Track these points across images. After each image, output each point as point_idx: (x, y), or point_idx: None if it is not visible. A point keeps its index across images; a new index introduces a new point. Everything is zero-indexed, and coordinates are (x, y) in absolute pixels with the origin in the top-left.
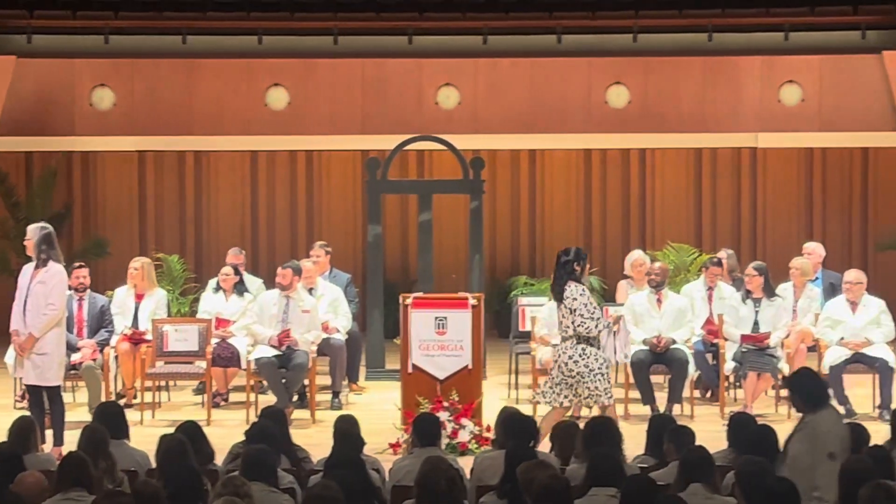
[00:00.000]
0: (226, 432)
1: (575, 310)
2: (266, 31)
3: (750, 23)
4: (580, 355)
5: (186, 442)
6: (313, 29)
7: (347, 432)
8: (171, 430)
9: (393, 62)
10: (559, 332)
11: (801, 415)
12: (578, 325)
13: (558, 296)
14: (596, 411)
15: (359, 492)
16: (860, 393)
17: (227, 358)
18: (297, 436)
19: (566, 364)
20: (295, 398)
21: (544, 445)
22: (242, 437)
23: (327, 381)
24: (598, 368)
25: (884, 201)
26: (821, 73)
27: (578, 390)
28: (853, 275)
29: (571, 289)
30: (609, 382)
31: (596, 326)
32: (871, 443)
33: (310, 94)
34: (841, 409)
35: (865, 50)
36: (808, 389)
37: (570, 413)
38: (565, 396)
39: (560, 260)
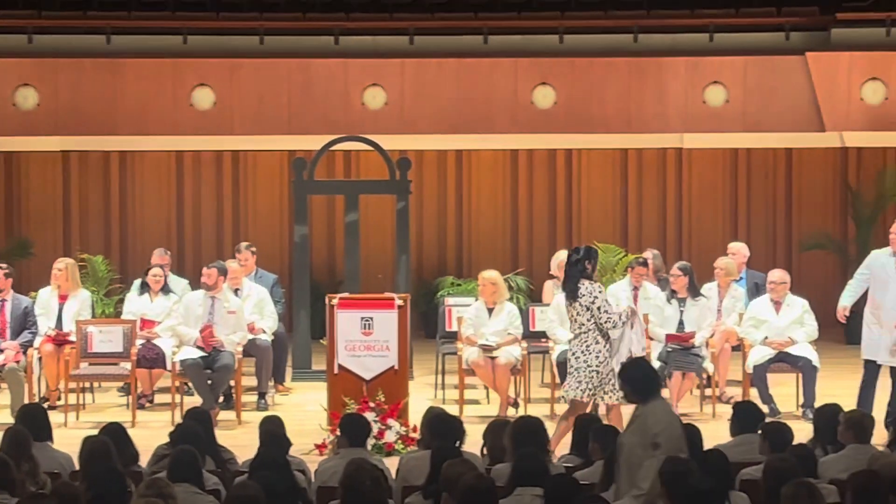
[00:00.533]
0: (151, 434)
1: (599, 307)
2: (191, 30)
3: (675, 24)
4: (582, 352)
5: (110, 443)
6: (239, 29)
7: (273, 433)
8: (96, 431)
9: (319, 62)
10: (571, 329)
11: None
12: (605, 322)
13: (571, 294)
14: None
15: (284, 493)
16: (784, 392)
17: (152, 359)
18: (223, 437)
19: (578, 359)
20: (221, 399)
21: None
22: (167, 439)
23: (253, 382)
24: (597, 367)
25: (807, 201)
26: (745, 75)
27: (600, 385)
28: (777, 275)
29: (587, 287)
30: (601, 381)
31: (620, 318)
32: (795, 441)
33: (235, 94)
34: (765, 409)
35: (789, 51)
36: (640, 380)
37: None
38: (582, 390)
39: (571, 259)
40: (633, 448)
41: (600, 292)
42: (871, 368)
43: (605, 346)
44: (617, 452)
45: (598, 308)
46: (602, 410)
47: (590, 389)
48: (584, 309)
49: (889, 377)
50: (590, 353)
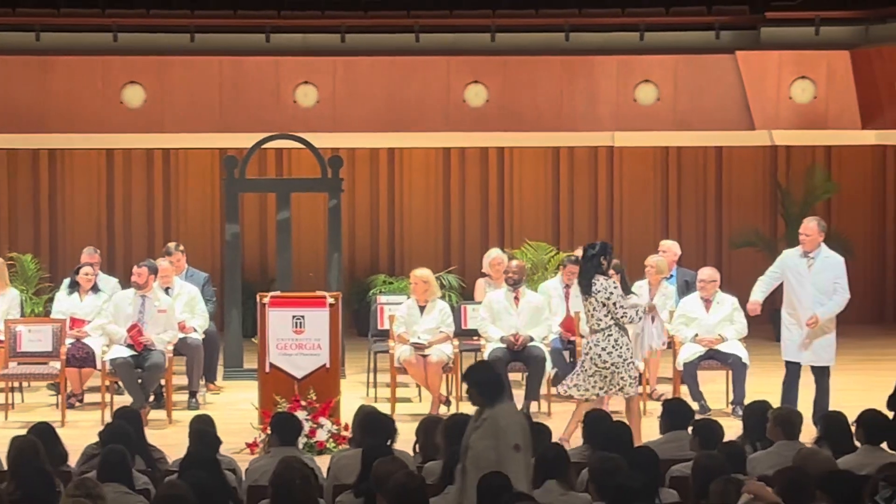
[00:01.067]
0: (80, 433)
1: (615, 303)
2: (121, 28)
3: (606, 23)
4: (613, 346)
5: (38, 443)
6: (169, 26)
7: (203, 432)
8: (24, 431)
9: (251, 60)
10: (588, 324)
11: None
12: (622, 317)
13: (586, 289)
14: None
15: (214, 492)
16: (714, 389)
17: (81, 358)
18: (154, 436)
19: (599, 356)
20: (151, 398)
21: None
22: (97, 438)
23: (184, 381)
24: (630, 359)
25: (737, 199)
26: (676, 73)
27: (613, 381)
28: (706, 273)
29: (602, 283)
30: (637, 372)
31: (637, 313)
32: (725, 439)
33: (166, 91)
34: (695, 406)
35: (719, 50)
36: (486, 383)
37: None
38: (600, 388)
39: (587, 254)
40: (486, 451)
41: (615, 288)
42: (793, 368)
43: (627, 337)
44: (461, 455)
45: (614, 304)
46: (606, 405)
47: (635, 380)
48: (600, 305)
49: (811, 374)
50: (621, 347)
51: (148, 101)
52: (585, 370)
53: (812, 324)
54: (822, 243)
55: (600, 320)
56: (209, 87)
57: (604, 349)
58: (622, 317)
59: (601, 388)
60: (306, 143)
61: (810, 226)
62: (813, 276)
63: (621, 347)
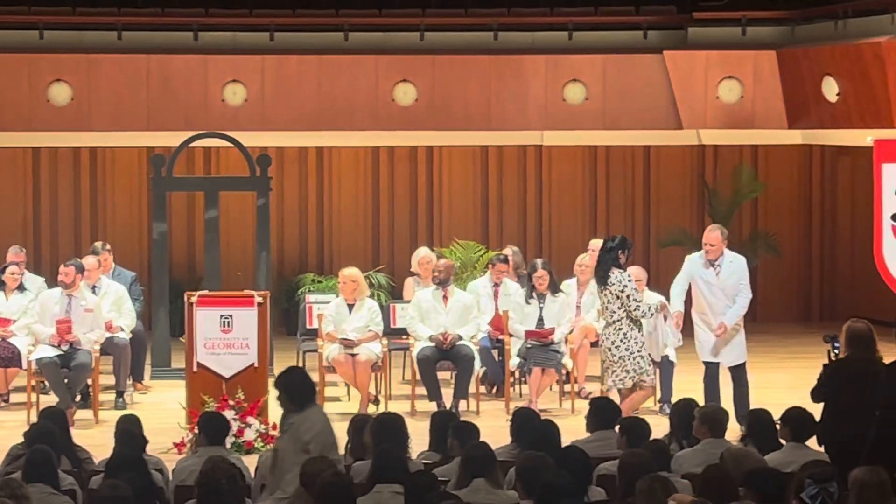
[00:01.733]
0: (6, 434)
1: (629, 295)
2: (48, 25)
3: (534, 22)
4: (622, 339)
5: None
6: (96, 24)
7: (129, 432)
8: None
9: (178, 58)
10: (603, 316)
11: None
12: (634, 310)
13: (601, 280)
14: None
15: (140, 492)
16: None
17: (7, 358)
18: (80, 436)
19: (608, 349)
20: (78, 398)
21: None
22: (22, 439)
23: (111, 380)
24: (639, 351)
25: (665, 198)
26: (604, 73)
27: (618, 373)
28: (633, 272)
29: (617, 275)
30: (649, 365)
31: (650, 309)
32: (652, 437)
33: (93, 90)
34: None
35: (647, 50)
36: (294, 389)
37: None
38: (628, 377)
39: (606, 246)
40: (286, 453)
41: (630, 281)
42: (712, 368)
43: (640, 333)
44: (273, 457)
45: (628, 297)
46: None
47: (646, 372)
48: (613, 297)
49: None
50: (629, 341)
51: (75, 100)
52: (619, 363)
53: (720, 333)
54: (725, 248)
55: (613, 312)
56: (137, 85)
57: (612, 342)
58: (634, 310)
59: (630, 378)
60: (234, 142)
61: (714, 235)
62: (722, 283)
63: (629, 341)
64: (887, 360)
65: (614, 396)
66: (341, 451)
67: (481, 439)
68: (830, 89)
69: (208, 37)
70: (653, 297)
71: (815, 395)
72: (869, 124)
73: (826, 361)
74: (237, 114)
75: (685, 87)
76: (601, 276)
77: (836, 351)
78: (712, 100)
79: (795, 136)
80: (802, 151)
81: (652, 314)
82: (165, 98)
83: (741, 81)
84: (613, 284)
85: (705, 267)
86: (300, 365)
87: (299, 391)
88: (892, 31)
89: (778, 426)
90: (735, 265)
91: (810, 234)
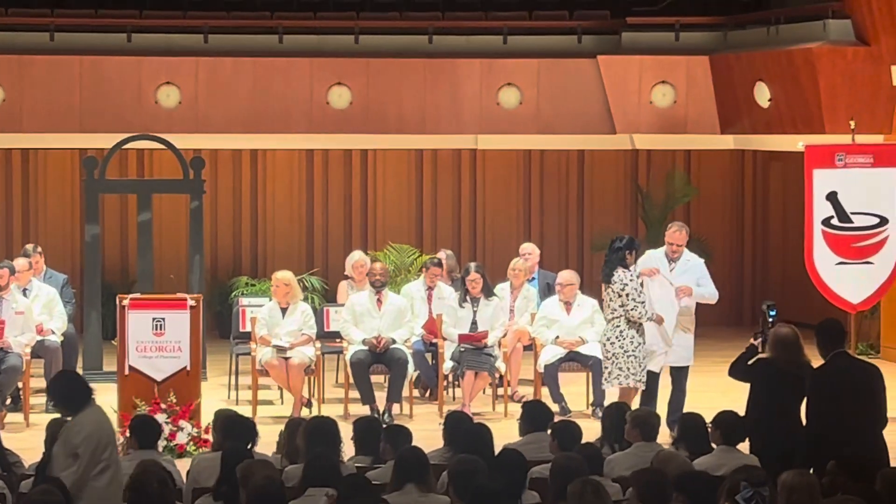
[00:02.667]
0: None
1: (628, 294)
2: None
3: (469, 26)
4: (617, 337)
5: None
6: (29, 25)
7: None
8: None
9: (112, 60)
10: (605, 314)
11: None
12: (631, 310)
13: (607, 277)
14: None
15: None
16: (574, 391)
17: None
18: (10, 440)
19: (604, 346)
20: (8, 401)
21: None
22: None
23: (42, 383)
24: (633, 351)
25: (599, 202)
26: (538, 77)
27: (611, 370)
28: (565, 276)
29: (620, 274)
30: (642, 367)
31: (646, 312)
32: (584, 440)
33: (26, 91)
34: (556, 407)
35: (581, 54)
36: (66, 394)
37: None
38: (622, 374)
39: (613, 245)
40: (57, 458)
41: (631, 280)
42: (651, 377)
43: (637, 334)
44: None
45: (627, 295)
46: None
47: (634, 375)
48: (615, 295)
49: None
50: (624, 339)
51: (7, 101)
52: (612, 361)
53: (685, 291)
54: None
55: (614, 310)
56: (69, 86)
57: (609, 339)
58: (632, 309)
59: (626, 377)
60: (168, 144)
61: (681, 234)
62: (674, 278)
63: (624, 339)
64: (815, 364)
65: (613, 392)
66: (268, 452)
67: (414, 443)
68: (762, 95)
69: (142, 38)
70: (587, 302)
71: (734, 371)
72: (800, 130)
73: (758, 330)
74: (171, 116)
75: (619, 92)
76: (606, 274)
77: (772, 319)
78: (646, 104)
79: (728, 141)
80: (734, 156)
81: (649, 318)
82: (98, 100)
83: (674, 86)
84: (615, 283)
85: (663, 260)
86: (236, 367)
87: (69, 395)
88: (823, 37)
89: (709, 429)
90: (691, 264)
91: (742, 238)
